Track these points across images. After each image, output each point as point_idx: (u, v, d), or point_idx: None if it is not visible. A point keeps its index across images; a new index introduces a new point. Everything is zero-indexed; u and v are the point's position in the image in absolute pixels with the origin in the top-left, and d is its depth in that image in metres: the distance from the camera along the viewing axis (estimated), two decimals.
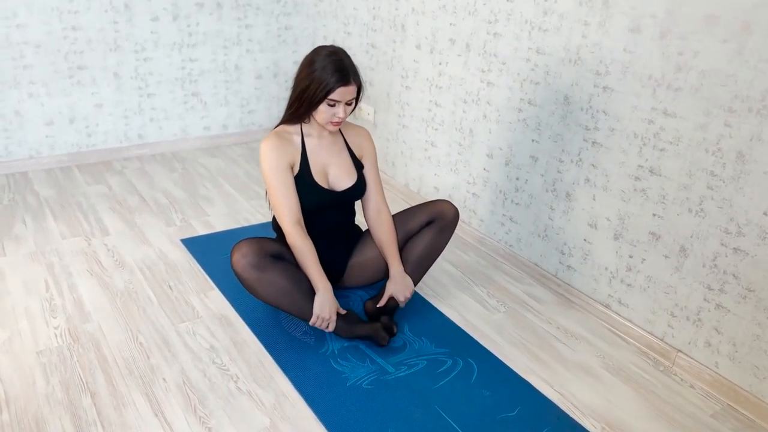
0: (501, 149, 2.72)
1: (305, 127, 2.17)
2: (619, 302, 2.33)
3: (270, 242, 2.10)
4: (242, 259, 2.01)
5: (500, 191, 2.77)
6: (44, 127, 3.41)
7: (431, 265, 2.34)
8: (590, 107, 2.29)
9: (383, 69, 3.35)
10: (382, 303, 2.24)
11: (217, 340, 2.17)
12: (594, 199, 2.35)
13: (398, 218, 2.34)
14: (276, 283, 2.05)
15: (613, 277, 2.34)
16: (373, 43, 3.38)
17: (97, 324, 2.22)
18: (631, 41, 2.10)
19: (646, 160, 2.13)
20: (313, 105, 2.04)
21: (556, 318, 2.42)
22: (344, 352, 2.14)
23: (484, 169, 2.83)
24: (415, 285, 2.28)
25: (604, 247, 2.35)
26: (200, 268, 2.60)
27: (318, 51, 2.05)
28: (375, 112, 3.49)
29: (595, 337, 2.32)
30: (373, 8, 3.32)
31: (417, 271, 2.30)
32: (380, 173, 3.49)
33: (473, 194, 2.93)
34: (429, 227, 2.28)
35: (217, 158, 3.78)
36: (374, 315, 2.23)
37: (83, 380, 1.96)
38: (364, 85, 2.10)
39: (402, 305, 2.27)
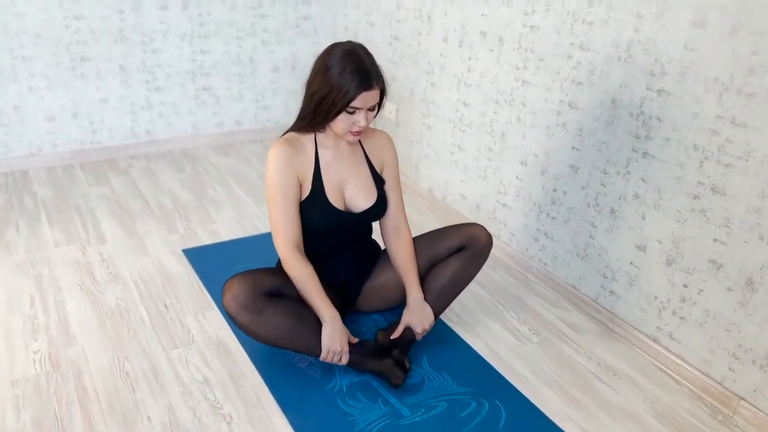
0: (536, 156, 2.43)
1: (320, 137, 1.91)
2: (670, 337, 2.04)
3: (266, 276, 1.84)
4: (233, 301, 1.75)
5: (534, 203, 2.48)
6: (45, 122, 3.20)
7: (456, 297, 2.06)
8: (642, 113, 1.99)
9: (407, 63, 3.07)
10: (396, 334, 1.97)
11: (212, 371, 1.94)
12: (643, 218, 2.05)
13: (424, 240, 2.07)
14: (275, 324, 1.79)
15: (664, 307, 2.04)
16: (396, 35, 3.10)
17: (81, 348, 2.00)
18: (693, 37, 1.80)
19: (708, 176, 1.83)
20: (331, 115, 1.77)
21: (596, 351, 2.13)
22: (354, 390, 1.88)
23: (517, 177, 2.54)
24: (436, 317, 2.01)
25: (653, 273, 2.05)
26: (200, 283, 2.37)
27: (332, 51, 1.77)
28: (398, 110, 3.22)
29: (642, 375, 2.03)
30: None
31: (439, 301, 2.02)
32: (402, 176, 3.23)
33: (504, 205, 2.64)
34: (458, 254, 2.01)
35: (230, 157, 3.55)
36: (387, 347, 1.97)
37: (58, 417, 1.73)
38: (387, 87, 1.83)
39: (419, 338, 2.00)
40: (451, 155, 2.90)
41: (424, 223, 2.93)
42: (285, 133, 1.93)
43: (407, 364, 1.91)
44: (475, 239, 2.01)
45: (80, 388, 1.84)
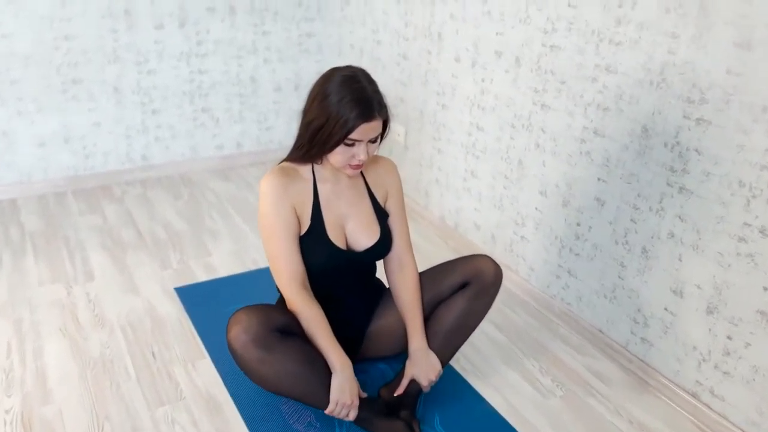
0: (558, 187, 2.23)
1: (318, 170, 1.73)
2: (711, 393, 1.82)
3: (277, 312, 1.65)
4: (243, 334, 1.55)
5: (556, 237, 2.28)
6: (35, 148, 3.04)
7: (465, 341, 1.86)
8: (677, 143, 1.78)
9: (416, 84, 2.88)
10: (400, 390, 1.77)
11: None
12: (680, 260, 1.84)
13: (426, 277, 1.87)
14: (284, 365, 1.59)
15: (704, 360, 1.83)
16: (404, 53, 2.91)
17: (57, 407, 1.81)
18: (738, 60, 1.59)
19: (756, 217, 1.62)
20: (328, 147, 1.59)
21: (627, 406, 1.92)
22: None
23: (536, 208, 2.34)
24: (443, 365, 1.81)
25: (692, 321, 1.84)
26: (192, 327, 2.18)
27: (331, 76, 1.60)
28: (406, 132, 3.03)
29: None
30: (405, 14, 2.85)
31: (446, 347, 1.81)
32: (411, 202, 3.04)
33: (522, 237, 2.44)
34: (462, 292, 1.79)
35: (230, 182, 3.37)
36: (393, 405, 1.77)
37: None
38: (391, 116, 1.65)
39: (426, 390, 1.80)
40: (464, 182, 2.70)
41: (435, 253, 2.74)
42: (279, 163, 1.75)
43: (416, 429, 1.71)
44: (481, 273, 1.79)
45: None
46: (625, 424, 1.85)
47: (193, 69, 3.26)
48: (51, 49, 2.91)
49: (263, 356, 1.57)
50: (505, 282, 2.51)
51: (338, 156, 1.61)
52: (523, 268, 2.47)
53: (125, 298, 2.33)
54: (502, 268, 2.47)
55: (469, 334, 1.86)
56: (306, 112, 1.63)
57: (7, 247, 2.63)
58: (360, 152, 1.60)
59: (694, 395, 1.87)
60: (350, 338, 1.89)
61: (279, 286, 1.70)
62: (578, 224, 2.17)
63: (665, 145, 1.82)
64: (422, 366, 1.77)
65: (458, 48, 2.57)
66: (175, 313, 2.25)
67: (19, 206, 2.98)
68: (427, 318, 1.84)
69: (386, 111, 1.61)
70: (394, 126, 3.07)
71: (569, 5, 2.04)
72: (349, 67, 1.62)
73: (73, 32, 2.93)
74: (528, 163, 2.34)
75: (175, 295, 2.36)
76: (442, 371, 1.80)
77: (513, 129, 2.37)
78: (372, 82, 1.61)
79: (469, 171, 2.66)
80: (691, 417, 1.87)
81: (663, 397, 1.95)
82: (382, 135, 1.65)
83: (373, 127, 1.58)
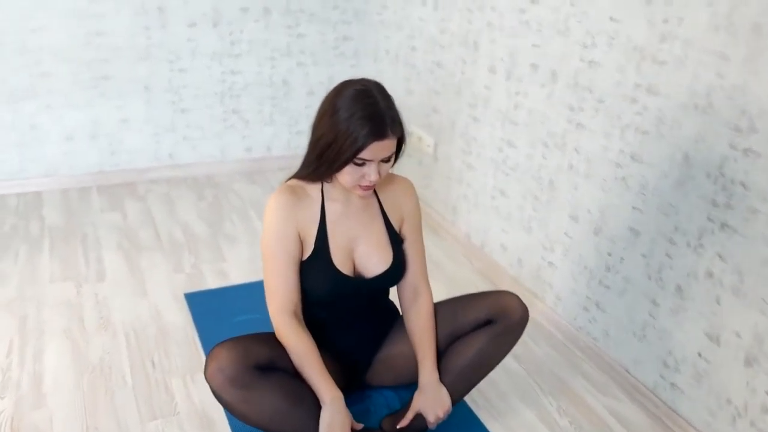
0: (590, 212, 2.07)
1: (327, 189, 1.63)
2: None
3: (259, 344, 1.54)
4: (219, 373, 1.46)
5: (585, 266, 2.12)
6: (63, 142, 3.03)
7: (480, 380, 1.73)
8: (722, 175, 1.62)
9: (450, 94, 2.75)
10: (404, 422, 1.65)
11: None
12: (718, 303, 1.67)
13: (446, 308, 1.75)
14: (267, 403, 1.50)
15: (739, 415, 1.65)
16: (439, 61, 2.79)
17: (48, 412, 1.76)
18: None
19: None
20: (337, 166, 1.49)
21: None
22: None
23: (566, 233, 2.19)
24: (454, 403, 1.68)
25: (728, 371, 1.67)
26: (196, 337, 2.11)
27: (342, 90, 1.49)
28: (436, 144, 2.91)
29: None
30: (442, 20, 2.73)
31: (459, 385, 1.69)
32: (438, 217, 2.92)
33: (549, 263, 2.29)
34: (485, 329, 1.67)
35: (256, 185, 3.30)
36: None
37: None
38: (407, 134, 1.54)
39: (431, 426, 1.67)
40: (492, 200, 2.56)
41: (459, 273, 2.61)
42: (287, 180, 1.66)
43: None
44: (507, 312, 1.66)
45: None
46: None
47: (226, 69, 3.21)
48: (82, 45, 2.90)
49: (243, 395, 1.48)
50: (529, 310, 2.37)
51: (347, 176, 1.50)
52: (549, 297, 2.32)
53: (133, 302, 2.27)
54: (528, 294, 2.35)
55: (485, 374, 1.73)
56: (315, 127, 1.53)
57: (24, 241, 2.62)
58: (371, 172, 1.49)
59: None
60: (357, 363, 1.79)
61: (269, 312, 1.60)
62: (609, 254, 2.01)
63: (708, 176, 1.65)
64: (430, 400, 1.65)
65: (494, 58, 2.44)
66: (181, 320, 2.18)
67: (43, 199, 2.98)
68: (442, 352, 1.72)
69: (401, 128, 1.50)
70: (425, 137, 2.96)
71: (611, 19, 1.89)
72: (362, 80, 1.52)
73: (105, 28, 2.91)
74: (559, 184, 2.19)
75: (184, 301, 2.29)
76: (451, 408, 1.67)
77: (545, 147, 2.23)
78: (387, 98, 1.49)
79: (498, 189, 2.52)
80: None
81: None
82: (397, 154, 1.55)
83: (385, 146, 1.47)
